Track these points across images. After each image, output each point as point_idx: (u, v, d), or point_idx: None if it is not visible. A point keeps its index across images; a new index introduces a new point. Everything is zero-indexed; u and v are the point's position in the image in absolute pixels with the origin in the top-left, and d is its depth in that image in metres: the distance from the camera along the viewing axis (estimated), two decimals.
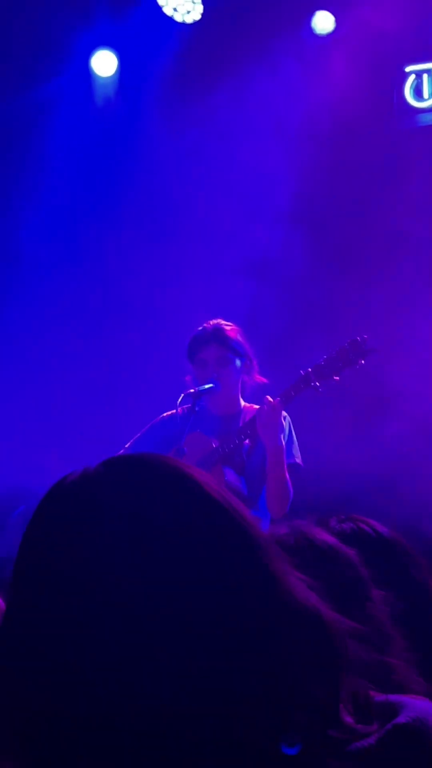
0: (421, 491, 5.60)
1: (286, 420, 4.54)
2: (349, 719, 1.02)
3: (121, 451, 4.62)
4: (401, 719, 1.01)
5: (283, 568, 1.07)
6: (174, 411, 4.52)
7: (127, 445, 4.64)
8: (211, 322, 4.59)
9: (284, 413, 4.53)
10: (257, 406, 4.53)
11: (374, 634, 1.28)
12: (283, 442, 4.31)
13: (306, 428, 4.73)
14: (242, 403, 4.62)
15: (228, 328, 4.56)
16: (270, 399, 4.33)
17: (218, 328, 4.54)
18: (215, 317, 4.65)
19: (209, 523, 1.06)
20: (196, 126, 6.60)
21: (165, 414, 4.64)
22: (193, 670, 0.98)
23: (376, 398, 6.03)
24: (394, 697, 1.06)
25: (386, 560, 1.96)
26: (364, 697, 1.05)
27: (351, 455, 5.76)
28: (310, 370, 4.34)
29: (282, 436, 4.30)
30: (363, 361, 4.33)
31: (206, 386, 4.42)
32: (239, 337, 4.56)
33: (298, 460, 4.49)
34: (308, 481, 4.58)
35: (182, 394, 4.40)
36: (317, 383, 4.31)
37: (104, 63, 6.78)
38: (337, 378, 4.35)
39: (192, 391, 4.41)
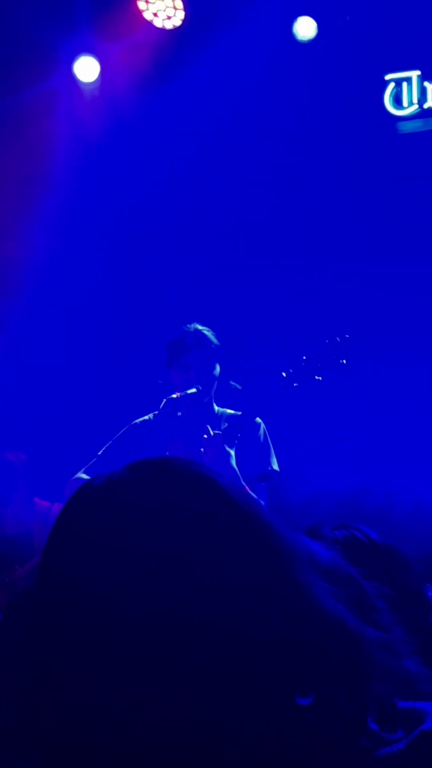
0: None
1: (261, 427, 4.53)
2: (374, 726, 1.04)
3: (94, 459, 4.58)
4: (429, 725, 1.03)
5: (309, 577, 1.07)
6: (147, 417, 4.50)
7: (100, 452, 4.58)
8: (192, 327, 4.57)
9: (259, 420, 4.53)
10: (231, 411, 4.53)
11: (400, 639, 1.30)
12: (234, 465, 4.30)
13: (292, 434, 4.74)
14: (216, 408, 4.60)
15: (208, 333, 4.55)
16: (209, 430, 4.33)
17: (200, 333, 4.52)
18: (193, 321, 4.64)
19: (235, 529, 1.06)
20: (179, 131, 6.61)
21: (137, 420, 4.61)
22: (218, 678, 0.98)
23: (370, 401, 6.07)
24: (419, 705, 1.07)
25: (379, 567, 1.97)
26: (389, 705, 1.07)
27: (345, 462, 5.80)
28: (291, 371, 4.32)
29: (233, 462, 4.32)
30: (344, 361, 4.32)
31: (190, 391, 4.40)
32: (217, 342, 4.57)
33: (275, 467, 4.49)
34: (302, 490, 4.59)
35: (165, 400, 4.37)
36: (298, 384, 4.30)
37: (87, 69, 6.78)
38: (320, 378, 4.32)
39: (175, 396, 4.38)
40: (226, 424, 4.42)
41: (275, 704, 0.99)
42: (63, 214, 6.74)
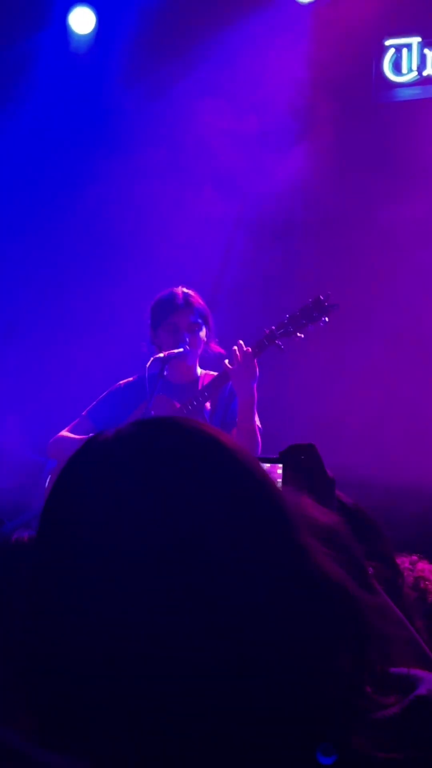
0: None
1: None
2: (368, 689, 1.05)
3: (78, 418, 4.64)
4: (422, 691, 1.05)
5: (311, 541, 1.07)
6: (131, 378, 4.58)
7: (84, 413, 4.67)
8: (179, 289, 4.63)
9: None
10: (214, 373, 4.60)
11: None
12: (256, 394, 4.35)
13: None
14: (199, 370, 4.68)
15: (194, 295, 4.63)
16: (242, 345, 4.36)
17: (189, 295, 4.61)
18: (179, 284, 4.70)
19: (239, 491, 1.06)
20: (173, 87, 6.54)
21: (122, 381, 4.68)
22: (217, 639, 0.98)
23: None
24: (413, 671, 1.10)
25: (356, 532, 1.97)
26: (381, 669, 1.08)
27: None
28: (273, 327, 4.43)
29: (255, 385, 4.36)
30: (326, 319, 4.42)
31: (177, 351, 4.45)
32: (204, 306, 4.61)
33: (257, 423, 4.54)
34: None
35: (152, 359, 4.43)
36: (280, 342, 4.40)
37: (82, 20, 6.68)
38: (302, 335, 4.43)
39: (162, 355, 4.44)
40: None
41: (274, 669, 0.99)
42: (44, 174, 6.67)
